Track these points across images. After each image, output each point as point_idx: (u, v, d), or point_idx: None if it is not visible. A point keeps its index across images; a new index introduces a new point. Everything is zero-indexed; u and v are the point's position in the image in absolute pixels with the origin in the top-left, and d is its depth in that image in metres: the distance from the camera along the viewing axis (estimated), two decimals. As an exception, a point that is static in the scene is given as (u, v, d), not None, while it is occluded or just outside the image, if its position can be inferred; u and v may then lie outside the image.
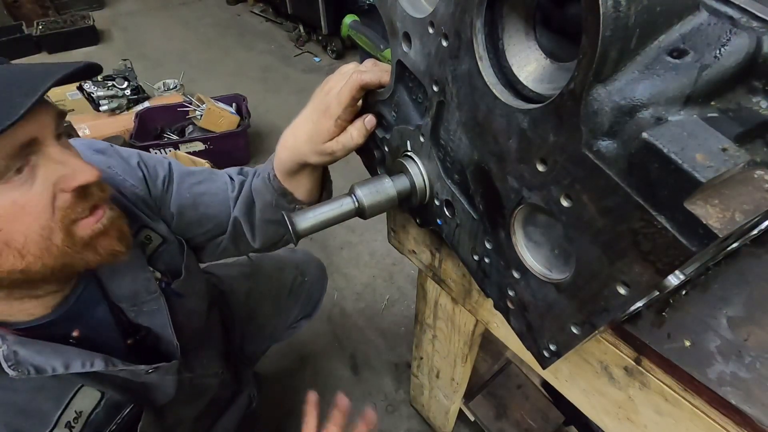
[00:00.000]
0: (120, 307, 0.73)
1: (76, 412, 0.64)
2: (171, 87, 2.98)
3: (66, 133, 0.59)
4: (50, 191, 0.53)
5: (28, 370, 0.58)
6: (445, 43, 0.40)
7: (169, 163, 0.81)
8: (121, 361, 0.68)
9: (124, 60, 2.82)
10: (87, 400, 0.66)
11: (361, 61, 0.60)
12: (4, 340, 0.58)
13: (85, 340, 0.68)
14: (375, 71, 0.55)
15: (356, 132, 0.59)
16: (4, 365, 0.57)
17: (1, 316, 0.60)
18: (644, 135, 0.27)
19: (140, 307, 0.74)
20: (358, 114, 0.60)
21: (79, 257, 0.58)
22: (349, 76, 0.56)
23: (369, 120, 0.59)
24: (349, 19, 2.66)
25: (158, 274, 0.77)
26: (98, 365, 0.64)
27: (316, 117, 0.61)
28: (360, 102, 0.59)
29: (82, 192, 0.56)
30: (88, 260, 0.59)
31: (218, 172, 0.85)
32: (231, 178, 0.83)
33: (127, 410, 0.71)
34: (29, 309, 0.62)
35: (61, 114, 0.57)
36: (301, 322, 1.35)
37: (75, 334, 0.68)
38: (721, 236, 0.25)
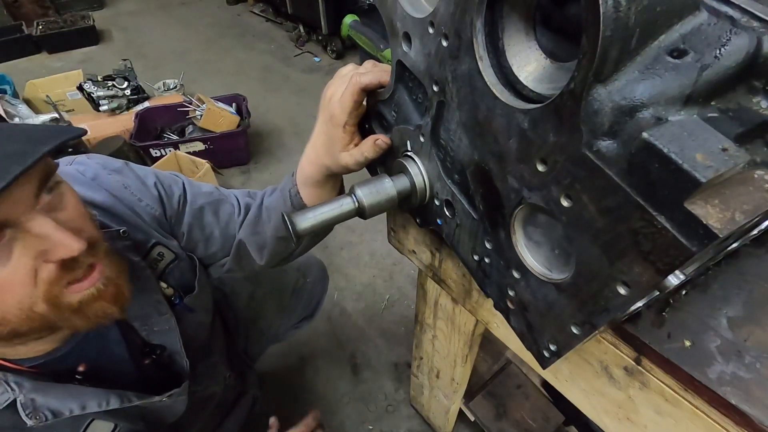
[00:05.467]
0: (133, 326, 0.73)
1: None
2: (171, 87, 2.98)
3: (58, 178, 0.53)
4: (29, 265, 0.49)
5: (46, 416, 0.58)
6: (445, 43, 0.40)
7: (183, 183, 0.82)
8: (136, 394, 0.68)
9: (124, 60, 2.82)
10: None
11: (361, 62, 0.59)
12: (21, 388, 0.57)
13: (93, 373, 0.67)
14: (374, 72, 0.54)
15: (366, 149, 0.59)
16: (23, 414, 0.56)
17: (10, 356, 0.59)
18: (644, 135, 0.27)
19: (151, 327, 0.75)
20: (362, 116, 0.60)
21: (66, 322, 0.55)
22: (349, 80, 0.55)
23: (380, 142, 0.58)
24: (349, 19, 2.66)
25: (170, 290, 0.78)
26: (114, 403, 0.64)
27: (326, 128, 0.61)
28: (364, 102, 0.59)
29: (68, 261, 0.51)
30: (75, 325, 0.56)
31: (226, 193, 0.86)
32: (237, 200, 0.84)
33: None
34: (37, 347, 0.61)
35: (50, 169, 0.52)
36: (302, 322, 1.35)
37: (81, 368, 0.66)
38: (721, 236, 0.25)
